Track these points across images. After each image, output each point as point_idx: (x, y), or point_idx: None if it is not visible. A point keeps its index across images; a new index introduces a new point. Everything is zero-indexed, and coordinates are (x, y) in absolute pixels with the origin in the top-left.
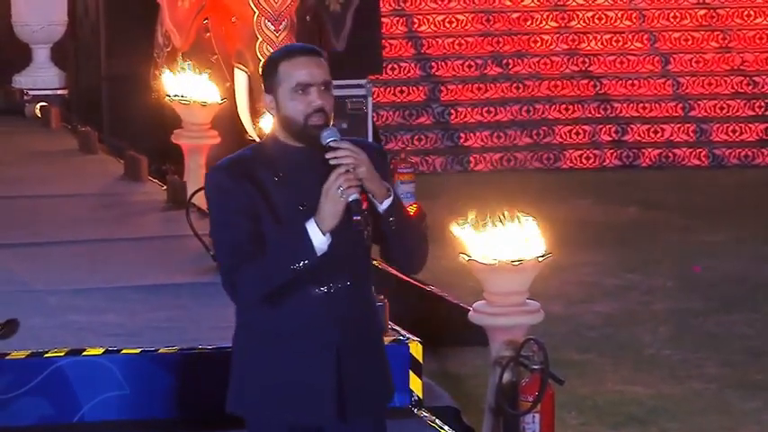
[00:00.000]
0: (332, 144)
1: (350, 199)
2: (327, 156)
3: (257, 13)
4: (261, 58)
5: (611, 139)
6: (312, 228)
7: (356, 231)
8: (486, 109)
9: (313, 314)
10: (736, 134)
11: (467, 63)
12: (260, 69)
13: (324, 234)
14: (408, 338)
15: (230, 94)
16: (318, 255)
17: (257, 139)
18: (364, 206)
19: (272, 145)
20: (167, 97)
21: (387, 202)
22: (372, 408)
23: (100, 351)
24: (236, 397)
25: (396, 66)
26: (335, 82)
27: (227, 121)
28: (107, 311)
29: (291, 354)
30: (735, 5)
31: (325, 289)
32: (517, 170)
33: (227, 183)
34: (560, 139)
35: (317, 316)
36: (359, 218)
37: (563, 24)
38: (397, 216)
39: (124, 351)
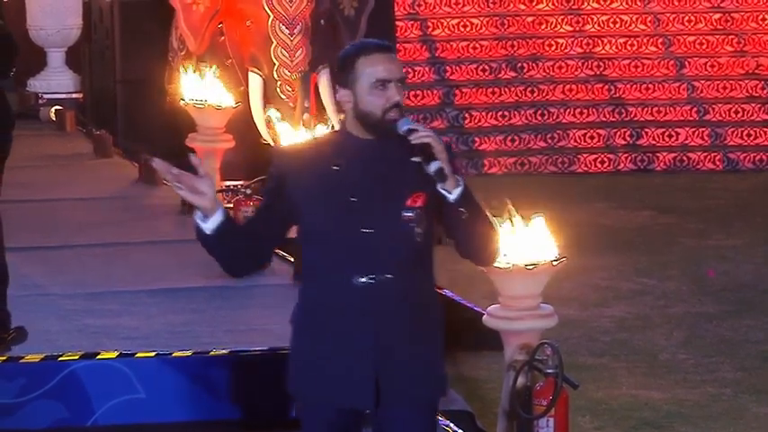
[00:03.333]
0: (412, 127)
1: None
2: (410, 137)
3: (272, 16)
4: (275, 61)
5: (625, 142)
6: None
7: (405, 227)
8: (500, 113)
9: (353, 303)
10: (751, 138)
11: (481, 67)
12: (338, 64)
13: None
14: None
15: (245, 98)
16: (206, 233)
17: (271, 143)
18: (420, 203)
19: (341, 137)
20: (182, 101)
21: (457, 191)
22: (410, 397)
23: (114, 355)
24: (289, 377)
25: (410, 69)
26: None
27: (242, 125)
28: (122, 315)
29: (332, 339)
30: (750, 9)
31: (365, 279)
32: (531, 174)
33: (274, 168)
34: (574, 143)
35: (357, 305)
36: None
37: (577, 28)
38: (468, 206)
39: (139, 355)
